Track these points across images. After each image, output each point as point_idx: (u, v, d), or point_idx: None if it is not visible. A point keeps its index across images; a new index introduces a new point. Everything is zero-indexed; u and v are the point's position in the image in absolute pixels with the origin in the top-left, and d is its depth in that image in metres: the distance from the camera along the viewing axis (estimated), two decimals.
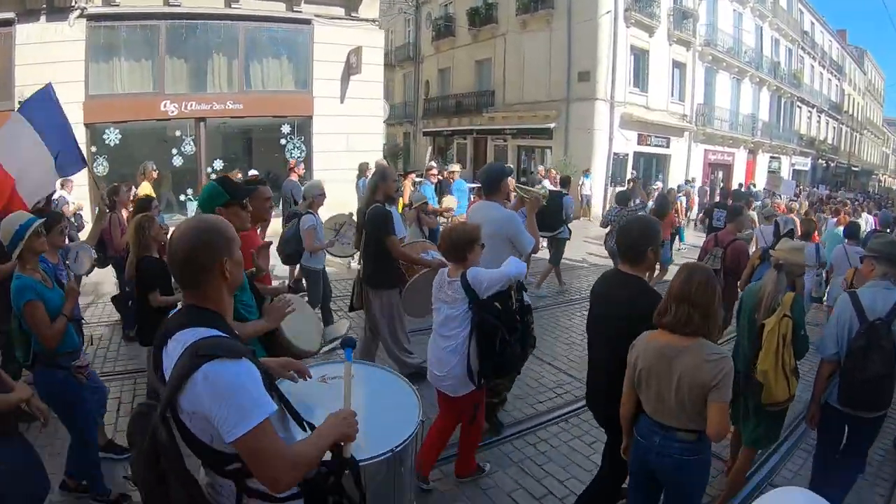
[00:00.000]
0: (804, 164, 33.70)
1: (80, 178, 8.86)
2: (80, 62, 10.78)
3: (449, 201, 9.72)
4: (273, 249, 4.00)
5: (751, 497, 3.52)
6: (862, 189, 39.64)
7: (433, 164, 12.02)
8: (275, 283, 3.65)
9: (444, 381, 3.30)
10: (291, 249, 5.84)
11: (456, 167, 11.30)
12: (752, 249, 6.35)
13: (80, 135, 10.44)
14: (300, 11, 12.15)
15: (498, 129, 22.54)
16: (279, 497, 1.55)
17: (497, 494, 3.57)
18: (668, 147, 21.71)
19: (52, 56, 10.34)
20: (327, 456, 1.68)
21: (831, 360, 3.16)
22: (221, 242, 1.59)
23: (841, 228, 9.02)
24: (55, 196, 8.61)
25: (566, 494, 3.60)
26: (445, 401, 3.45)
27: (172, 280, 3.80)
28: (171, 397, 1.43)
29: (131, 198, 6.52)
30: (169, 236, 1.76)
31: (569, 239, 8.81)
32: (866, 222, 13.38)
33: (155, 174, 8.44)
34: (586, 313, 3.16)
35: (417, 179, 11.30)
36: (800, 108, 32.22)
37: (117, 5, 10.95)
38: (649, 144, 20.83)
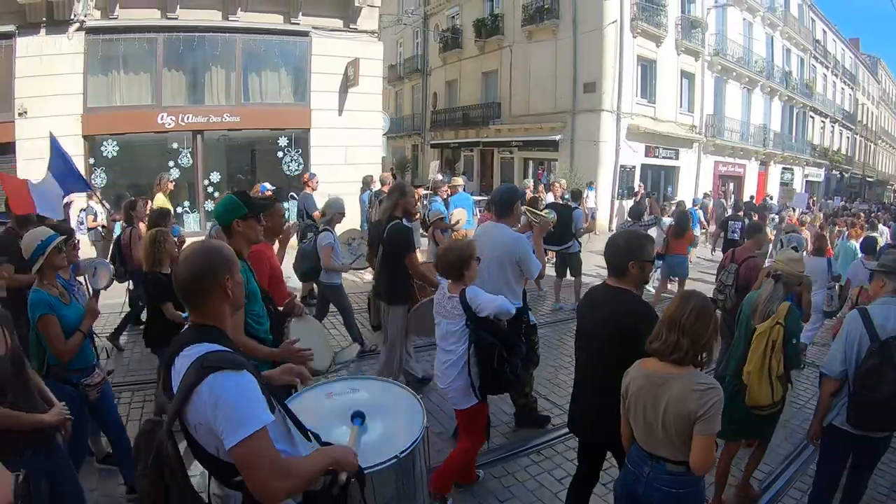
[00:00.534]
0: (817, 175, 33.17)
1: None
2: (79, 75, 10.79)
3: (459, 214, 9.56)
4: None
5: None
6: (877, 200, 39.00)
7: (440, 176, 11.86)
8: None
9: (448, 393, 3.39)
10: (308, 266, 5.85)
11: (459, 180, 11.14)
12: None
13: (79, 147, 10.54)
14: (298, 24, 12.05)
15: (504, 142, 22.48)
16: None
17: None
18: (676, 159, 21.40)
19: (52, 69, 10.41)
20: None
21: (837, 378, 3.03)
22: (222, 265, 1.73)
23: (853, 242, 8.75)
24: (85, 207, 8.76)
25: None
26: (458, 415, 3.50)
27: None
28: (178, 408, 1.53)
29: (147, 211, 6.56)
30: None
31: (579, 251, 8.63)
32: (881, 234, 13.02)
33: (171, 185, 8.51)
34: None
35: (424, 193, 11.15)
36: (812, 118, 31.75)
37: (116, 18, 10.94)
38: (657, 156, 20.53)
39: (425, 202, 9.84)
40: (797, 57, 29.20)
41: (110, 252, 5.95)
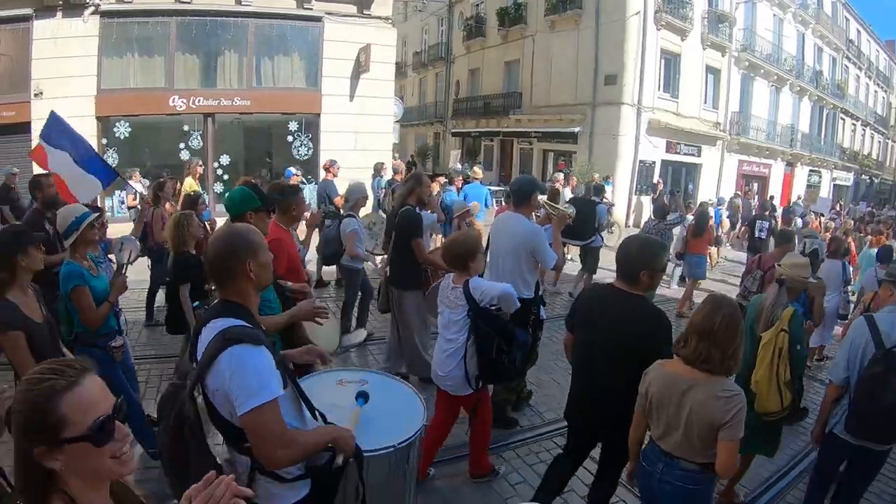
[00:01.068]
0: (846, 179, 32.18)
1: None
2: (93, 57, 10.98)
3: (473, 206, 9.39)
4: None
5: None
6: None
7: (459, 167, 11.71)
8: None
9: (446, 381, 3.40)
10: (331, 251, 6.05)
11: (478, 171, 10.94)
12: None
13: (92, 127, 10.71)
14: (311, 9, 12.03)
15: (524, 132, 22.26)
16: (286, 477, 1.80)
17: None
18: (698, 156, 20.88)
19: (67, 51, 10.63)
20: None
21: (840, 385, 3.05)
22: (245, 248, 1.84)
23: (874, 250, 8.49)
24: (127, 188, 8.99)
25: None
26: (445, 399, 3.53)
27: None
28: (200, 375, 1.69)
29: (175, 193, 6.91)
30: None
31: (602, 247, 8.54)
32: None
33: (200, 170, 8.83)
34: None
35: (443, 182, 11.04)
36: (843, 119, 30.76)
37: (130, 2, 11.08)
38: (678, 153, 20.04)
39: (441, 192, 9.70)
40: (829, 56, 28.23)
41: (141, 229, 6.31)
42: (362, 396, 2.42)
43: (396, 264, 4.87)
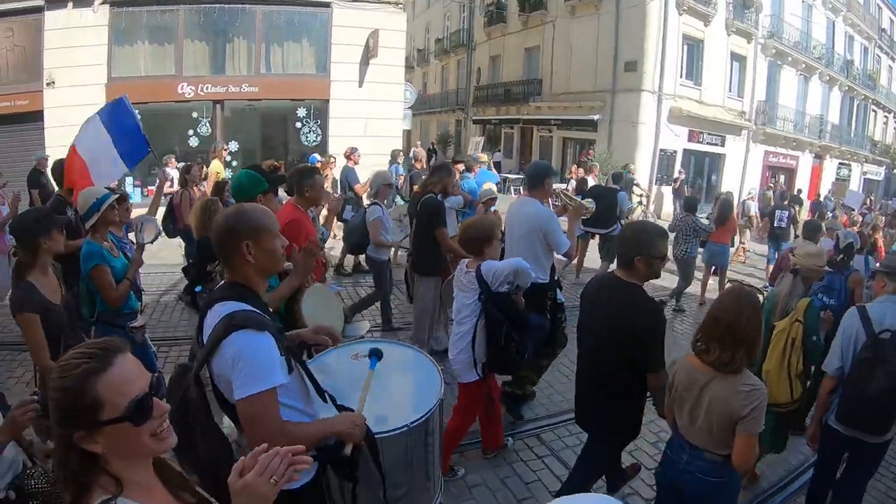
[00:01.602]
0: (877, 173, 30.94)
1: None
2: (104, 46, 11.09)
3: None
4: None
5: None
6: None
7: (476, 154, 11.55)
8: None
9: (455, 364, 3.41)
10: (356, 240, 6.06)
11: (483, 157, 10.73)
12: None
13: None
14: None
15: (544, 120, 22.05)
16: None
17: None
18: (722, 146, 20.27)
19: (78, 41, 10.78)
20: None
21: (835, 375, 3.04)
22: (243, 228, 1.76)
23: None
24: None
25: None
26: (459, 388, 3.53)
27: None
28: (205, 359, 1.68)
29: (201, 175, 7.12)
30: None
31: None
32: None
33: (225, 153, 8.93)
34: None
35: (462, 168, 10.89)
36: (874, 111, 29.64)
37: None
38: (701, 142, 19.49)
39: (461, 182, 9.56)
40: (860, 45, 27.20)
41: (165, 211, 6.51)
42: (375, 355, 2.33)
43: (417, 251, 5.06)
